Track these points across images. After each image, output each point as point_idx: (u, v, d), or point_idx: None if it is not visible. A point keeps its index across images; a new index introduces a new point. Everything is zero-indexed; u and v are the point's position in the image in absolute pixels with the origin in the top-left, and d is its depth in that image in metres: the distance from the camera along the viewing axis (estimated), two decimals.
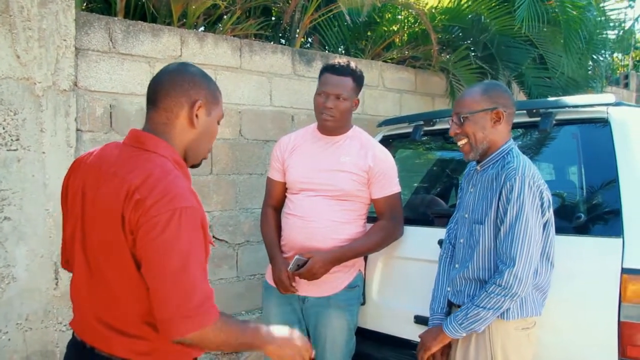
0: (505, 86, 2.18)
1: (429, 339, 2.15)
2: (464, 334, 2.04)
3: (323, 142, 2.61)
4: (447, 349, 2.19)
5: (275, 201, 2.73)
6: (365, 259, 2.75)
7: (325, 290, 2.53)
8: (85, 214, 1.49)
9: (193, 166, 1.65)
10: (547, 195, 2.03)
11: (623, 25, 6.66)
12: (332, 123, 2.54)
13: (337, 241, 2.50)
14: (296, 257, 2.43)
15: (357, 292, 2.63)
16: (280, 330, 1.57)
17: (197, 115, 1.55)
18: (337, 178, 2.52)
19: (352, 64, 2.59)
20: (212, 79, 1.65)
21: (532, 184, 1.96)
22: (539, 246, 1.98)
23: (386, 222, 2.59)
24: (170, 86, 1.53)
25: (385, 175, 2.56)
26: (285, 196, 2.69)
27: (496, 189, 2.02)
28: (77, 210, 1.51)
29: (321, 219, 2.51)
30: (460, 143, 2.16)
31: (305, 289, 2.53)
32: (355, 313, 2.61)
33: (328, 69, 2.58)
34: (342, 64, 2.57)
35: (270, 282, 2.63)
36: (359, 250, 2.54)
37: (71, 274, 1.60)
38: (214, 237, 3.67)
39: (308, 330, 2.61)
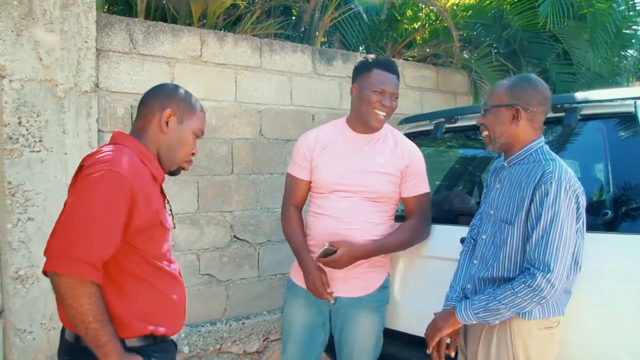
0: (537, 83, 2.08)
1: (441, 321, 2.13)
2: (475, 322, 2.02)
3: (356, 141, 2.54)
4: (456, 337, 2.18)
5: (298, 200, 2.64)
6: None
7: (358, 290, 2.49)
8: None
9: (170, 173, 1.80)
10: (583, 200, 1.98)
11: None
12: (384, 123, 2.52)
13: (370, 242, 2.47)
14: (325, 246, 2.38)
15: (387, 293, 2.61)
16: None
17: (167, 123, 1.73)
18: (374, 180, 2.46)
19: (395, 62, 2.63)
20: (193, 96, 1.84)
21: (568, 188, 1.91)
22: (571, 251, 1.94)
23: (415, 221, 2.55)
24: (150, 96, 1.77)
25: (418, 174, 2.54)
26: (307, 194, 2.64)
27: (527, 189, 1.97)
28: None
29: (357, 221, 2.46)
30: (483, 134, 2.17)
31: (338, 288, 2.48)
32: (384, 314, 2.57)
33: (380, 65, 2.47)
34: (391, 60, 2.56)
35: (296, 281, 2.59)
36: (386, 247, 2.50)
37: None
38: (235, 236, 3.67)
39: (332, 334, 2.57)
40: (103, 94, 3.11)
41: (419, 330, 2.66)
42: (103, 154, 1.57)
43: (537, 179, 1.94)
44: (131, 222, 1.54)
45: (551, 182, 1.91)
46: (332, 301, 2.47)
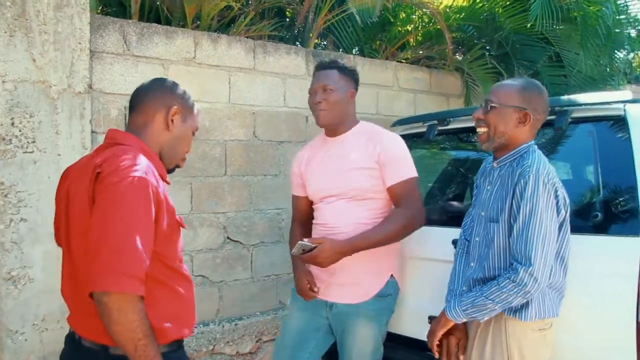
0: (544, 90, 2.12)
1: (434, 323, 2.16)
2: (465, 320, 2.05)
3: (330, 145, 2.57)
4: (464, 338, 2.18)
5: (301, 215, 2.72)
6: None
7: (355, 296, 2.45)
8: (69, 210, 1.58)
9: (168, 171, 1.76)
10: (563, 193, 2.00)
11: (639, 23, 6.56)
12: (326, 117, 2.49)
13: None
14: (299, 242, 2.32)
15: (389, 301, 2.52)
16: None
17: (172, 120, 1.70)
18: (351, 177, 2.45)
19: (337, 59, 2.65)
20: (188, 93, 1.80)
21: (546, 181, 1.93)
22: (554, 245, 1.95)
23: (402, 209, 2.42)
24: (150, 92, 1.72)
25: (394, 160, 2.44)
26: (312, 208, 2.66)
27: (510, 186, 2.00)
28: (63, 210, 1.61)
29: (346, 224, 2.44)
30: (479, 130, 2.13)
31: (334, 295, 2.48)
32: (384, 323, 2.51)
33: (314, 70, 2.61)
34: (324, 60, 2.62)
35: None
36: (372, 239, 2.37)
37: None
38: (228, 238, 3.68)
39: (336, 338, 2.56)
40: (96, 95, 3.11)
41: (411, 331, 2.70)
42: (116, 156, 1.51)
43: (517, 174, 1.98)
44: (158, 228, 1.50)
45: (529, 176, 1.93)
46: (317, 295, 2.48)
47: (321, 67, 2.57)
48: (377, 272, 2.49)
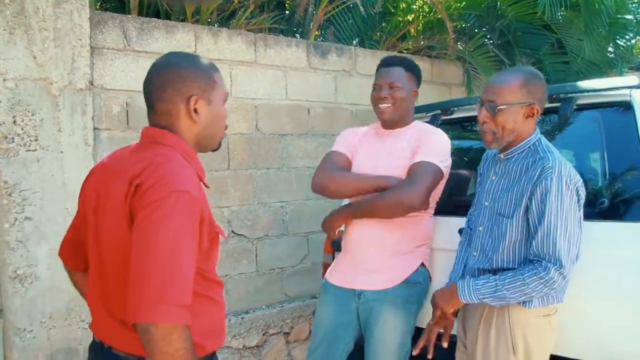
0: (543, 78, 2.08)
1: (442, 303, 2.12)
2: (477, 302, 2.02)
3: (385, 137, 2.57)
4: (450, 327, 2.19)
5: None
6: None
7: (382, 282, 2.40)
8: (99, 214, 1.48)
9: (214, 150, 1.64)
10: (582, 192, 1.98)
11: None
12: (390, 113, 2.50)
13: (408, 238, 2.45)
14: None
15: (419, 290, 2.44)
16: None
17: (195, 110, 1.50)
18: (395, 167, 2.42)
19: (404, 56, 2.62)
20: (202, 62, 1.55)
21: (569, 182, 1.92)
22: (576, 244, 1.95)
23: (399, 186, 2.34)
24: (161, 88, 1.49)
25: (424, 146, 2.39)
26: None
27: (526, 184, 1.97)
28: (92, 211, 1.51)
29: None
30: (485, 132, 2.07)
31: (361, 282, 2.45)
32: (413, 313, 2.42)
33: (380, 64, 2.60)
34: (391, 56, 2.60)
35: (329, 278, 2.59)
36: (361, 208, 2.40)
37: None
38: (232, 231, 3.68)
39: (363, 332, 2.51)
40: (98, 91, 3.10)
41: (419, 321, 2.68)
42: (156, 165, 1.38)
43: (537, 174, 1.94)
44: (201, 245, 1.40)
45: (552, 178, 1.90)
46: (338, 234, 2.54)
47: (388, 63, 2.57)
48: (406, 258, 2.45)
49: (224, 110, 1.59)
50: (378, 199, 2.36)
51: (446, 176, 2.46)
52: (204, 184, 1.54)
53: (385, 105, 2.49)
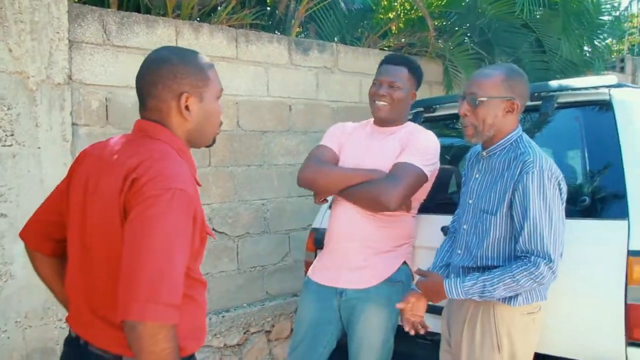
0: (525, 75, 2.11)
1: (430, 294, 2.14)
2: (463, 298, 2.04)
3: (377, 134, 2.55)
4: (422, 318, 2.24)
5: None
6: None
7: (364, 280, 2.40)
8: (87, 204, 1.44)
9: (208, 146, 1.62)
10: (564, 185, 2.00)
11: (617, 10, 6.63)
12: (386, 112, 2.47)
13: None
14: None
15: (401, 289, 2.41)
16: None
17: (187, 107, 1.47)
18: (383, 164, 2.40)
19: (409, 57, 2.58)
20: (195, 58, 1.52)
21: (550, 175, 1.93)
22: (563, 238, 1.97)
23: (377, 180, 2.34)
24: (152, 85, 1.46)
25: (408, 146, 2.39)
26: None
27: (509, 180, 1.98)
28: (79, 201, 1.47)
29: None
30: (466, 125, 2.09)
31: (344, 281, 2.43)
32: (396, 311, 2.37)
33: (383, 61, 2.56)
34: (397, 54, 2.55)
35: (311, 275, 2.57)
36: (347, 193, 2.41)
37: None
38: (213, 229, 3.64)
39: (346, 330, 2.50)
40: (77, 86, 3.04)
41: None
42: (153, 160, 1.36)
43: (519, 169, 1.95)
44: (192, 245, 1.38)
45: (533, 172, 1.92)
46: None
47: (392, 61, 2.54)
48: (388, 257, 2.44)
49: (217, 107, 1.58)
50: (359, 188, 2.35)
51: (432, 179, 2.46)
52: (196, 181, 1.51)
53: (382, 103, 2.47)
